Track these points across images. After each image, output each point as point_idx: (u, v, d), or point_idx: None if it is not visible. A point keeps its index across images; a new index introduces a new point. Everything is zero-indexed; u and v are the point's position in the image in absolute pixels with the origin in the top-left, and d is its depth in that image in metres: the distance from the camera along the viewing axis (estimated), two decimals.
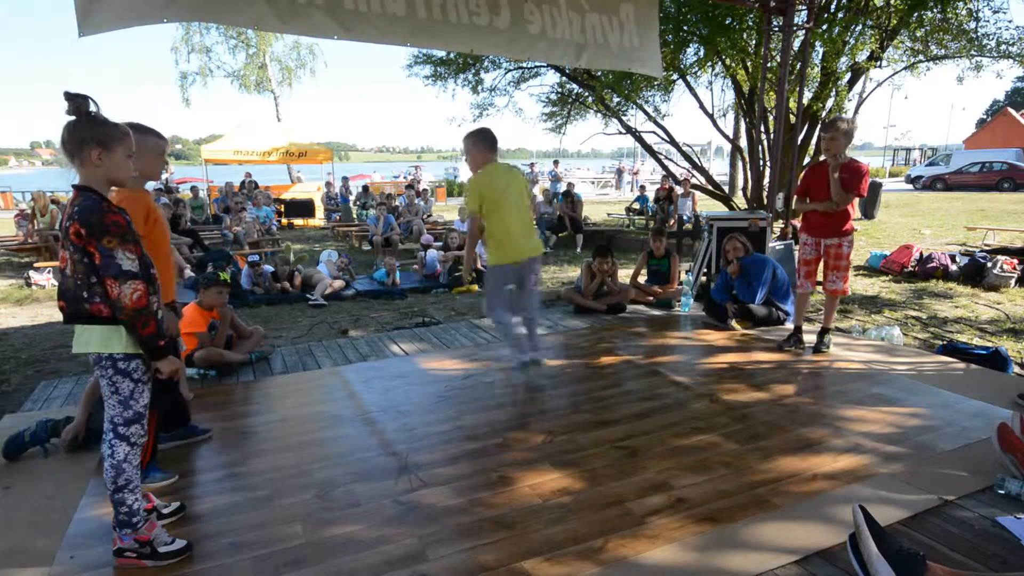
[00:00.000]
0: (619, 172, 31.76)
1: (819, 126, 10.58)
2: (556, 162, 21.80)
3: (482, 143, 3.60)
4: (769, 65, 6.65)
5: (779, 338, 4.72)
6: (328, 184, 18.23)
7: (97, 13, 3.37)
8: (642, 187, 16.70)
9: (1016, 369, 4.27)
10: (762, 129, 10.04)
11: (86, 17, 3.35)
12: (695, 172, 12.83)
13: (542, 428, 3.25)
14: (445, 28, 4.51)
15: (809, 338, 4.58)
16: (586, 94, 12.61)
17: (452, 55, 11.47)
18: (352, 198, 16.83)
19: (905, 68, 10.36)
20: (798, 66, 7.15)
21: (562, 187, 16.11)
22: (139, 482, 2.14)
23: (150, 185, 3.06)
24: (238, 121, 19.60)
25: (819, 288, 4.61)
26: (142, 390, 2.10)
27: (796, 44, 6.54)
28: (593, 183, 33.60)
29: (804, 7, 6.10)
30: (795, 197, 4.54)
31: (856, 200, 4.20)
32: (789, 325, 5.11)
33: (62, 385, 4.15)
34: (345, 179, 18.17)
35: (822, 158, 4.27)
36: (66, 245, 1.95)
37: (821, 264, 4.40)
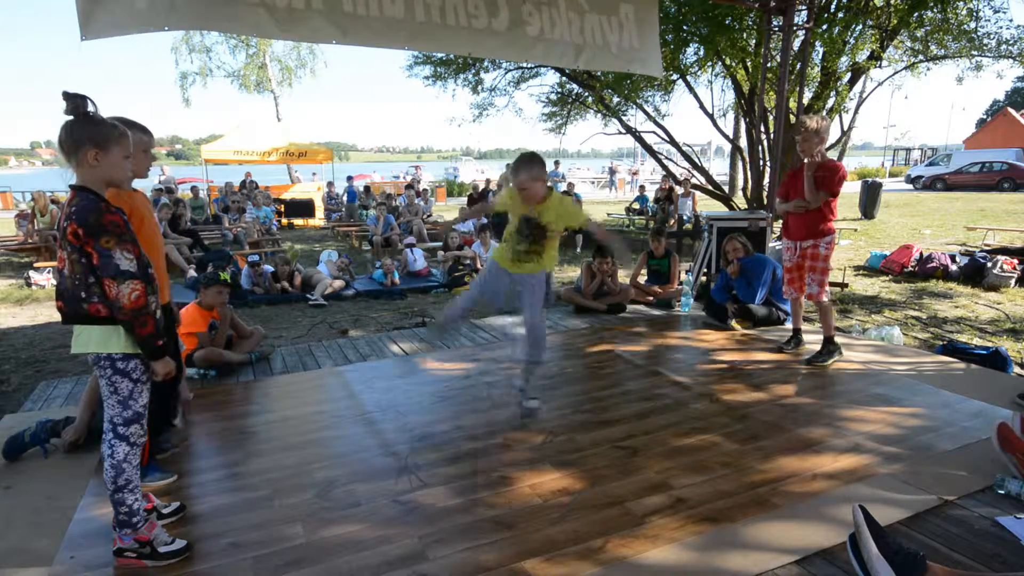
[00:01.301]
0: (612, 172, 31.67)
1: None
2: (557, 162, 21.80)
3: (542, 170, 3.17)
4: (769, 65, 6.64)
5: (779, 338, 4.72)
6: (329, 184, 18.22)
7: (98, 19, 3.38)
8: (642, 187, 16.70)
9: (1016, 369, 4.27)
10: (762, 129, 10.05)
11: (88, 23, 3.36)
12: (695, 172, 12.83)
13: (542, 428, 3.25)
14: (443, 31, 4.50)
15: (811, 337, 4.57)
16: (586, 94, 12.62)
17: (452, 56, 11.47)
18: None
19: (905, 68, 10.36)
20: (798, 66, 7.15)
21: (562, 188, 16.12)
22: (139, 482, 2.14)
23: (146, 184, 3.04)
24: (238, 121, 19.63)
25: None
26: (141, 390, 2.09)
27: (796, 44, 6.53)
28: (593, 183, 33.64)
29: (804, 7, 6.10)
30: (776, 200, 4.43)
31: (836, 201, 4.04)
32: (789, 326, 5.11)
33: (62, 385, 4.15)
34: (350, 178, 18.09)
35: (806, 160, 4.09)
36: (64, 245, 1.95)
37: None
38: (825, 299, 4.18)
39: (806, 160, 4.04)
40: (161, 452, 2.98)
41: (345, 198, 16.63)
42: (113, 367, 2.03)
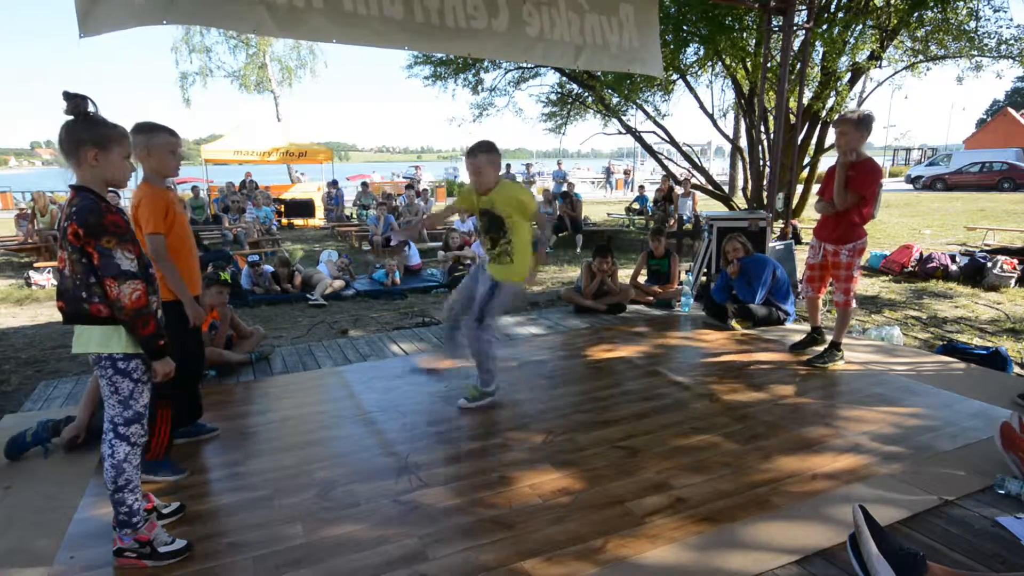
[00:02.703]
0: (608, 172, 31.69)
1: (819, 126, 10.61)
2: (559, 162, 21.78)
3: (499, 158, 3.40)
4: (769, 65, 6.65)
5: (780, 338, 4.72)
6: (329, 184, 18.20)
7: (97, 15, 3.38)
8: (641, 187, 16.69)
9: (1016, 369, 4.27)
10: (762, 129, 10.06)
11: (86, 19, 3.35)
12: (695, 172, 12.84)
13: (542, 428, 3.25)
14: (443, 32, 4.49)
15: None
16: (586, 94, 12.63)
17: (452, 56, 11.48)
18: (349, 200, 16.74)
19: (905, 68, 10.37)
20: (798, 66, 7.15)
21: (563, 187, 16.10)
22: (139, 482, 2.14)
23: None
24: (238, 121, 19.60)
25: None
26: (142, 390, 2.09)
27: (796, 44, 6.54)
28: (593, 183, 33.66)
29: (804, 7, 6.10)
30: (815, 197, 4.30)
31: (869, 207, 3.82)
32: (789, 325, 5.12)
33: (62, 385, 4.15)
34: (334, 183, 17.84)
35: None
36: (64, 245, 1.95)
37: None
38: (850, 308, 4.03)
39: (840, 159, 3.81)
40: (208, 432, 3.19)
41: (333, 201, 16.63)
42: (114, 367, 2.03)
